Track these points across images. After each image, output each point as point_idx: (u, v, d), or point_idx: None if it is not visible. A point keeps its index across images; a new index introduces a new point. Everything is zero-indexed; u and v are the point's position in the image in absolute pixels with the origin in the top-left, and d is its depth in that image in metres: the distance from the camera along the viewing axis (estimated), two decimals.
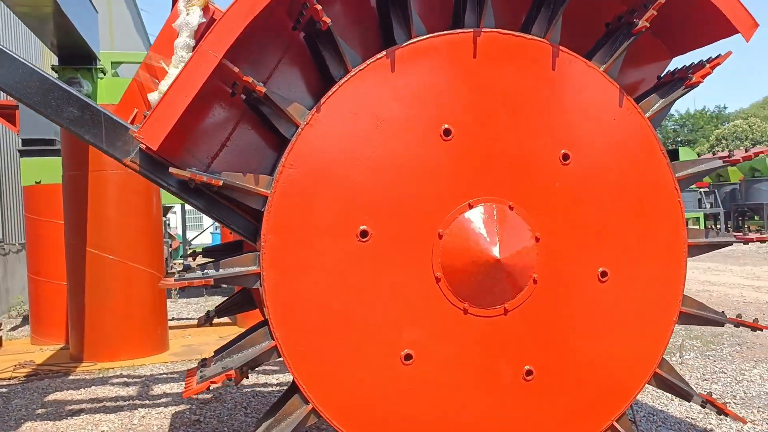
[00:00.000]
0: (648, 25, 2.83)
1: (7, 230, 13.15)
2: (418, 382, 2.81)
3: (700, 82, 2.96)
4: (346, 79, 2.73)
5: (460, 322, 2.86)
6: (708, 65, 2.95)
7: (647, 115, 3.03)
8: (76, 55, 7.79)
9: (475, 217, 2.84)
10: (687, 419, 4.76)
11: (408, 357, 2.80)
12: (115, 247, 7.52)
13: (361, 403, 2.77)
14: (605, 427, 3.02)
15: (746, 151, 3.20)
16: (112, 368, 7.26)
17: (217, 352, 3.02)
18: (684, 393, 3.13)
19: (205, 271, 2.67)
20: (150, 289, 7.64)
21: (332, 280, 2.73)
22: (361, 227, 2.75)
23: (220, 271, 2.70)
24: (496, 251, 2.77)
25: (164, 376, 6.81)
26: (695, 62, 3.01)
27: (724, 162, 3.15)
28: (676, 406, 5.03)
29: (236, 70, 2.52)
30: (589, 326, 2.99)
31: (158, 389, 6.28)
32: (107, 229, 7.58)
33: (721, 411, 3.11)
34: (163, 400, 5.88)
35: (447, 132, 2.82)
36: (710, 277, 13.45)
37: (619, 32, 2.96)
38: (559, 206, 2.94)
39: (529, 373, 2.92)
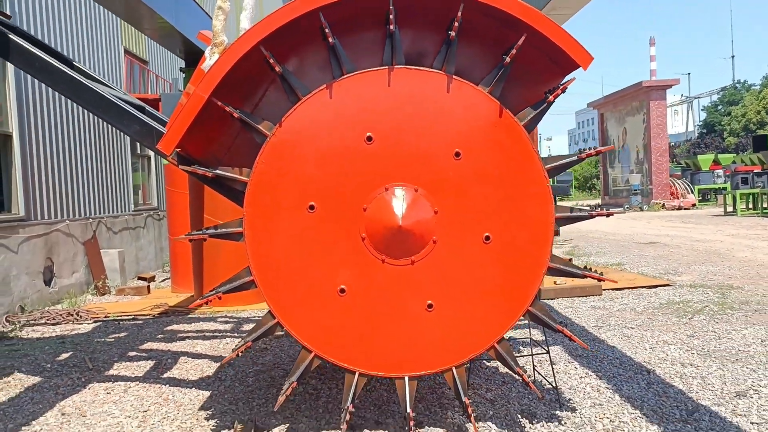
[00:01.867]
0: (508, 60, 3.96)
1: (161, 200, 15.67)
2: (349, 308, 4.16)
3: (553, 101, 4.05)
4: (298, 104, 4.09)
5: (379, 269, 4.16)
6: (560, 89, 4.03)
7: (522, 123, 4.15)
8: (194, 59, 9.65)
9: (389, 196, 4.12)
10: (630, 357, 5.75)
11: (342, 291, 4.15)
12: (225, 215, 9.33)
13: (310, 320, 4.17)
14: (488, 346, 4.21)
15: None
16: (220, 311, 9.16)
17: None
18: (549, 325, 4.25)
19: (207, 230, 4.18)
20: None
21: (291, 238, 4.14)
22: (310, 203, 4.12)
23: (218, 230, 4.20)
24: (399, 220, 4.05)
25: (255, 318, 8.56)
26: (554, 87, 4.08)
27: (578, 158, 4.20)
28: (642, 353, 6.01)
29: (219, 103, 3.96)
30: (476, 274, 4.18)
31: (246, 327, 8.02)
32: (219, 199, 9.40)
33: (570, 339, 4.21)
34: (245, 334, 7.61)
35: (369, 138, 4.11)
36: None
37: (499, 66, 4.09)
38: (453, 189, 4.14)
39: (430, 306, 4.18)
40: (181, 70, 10.03)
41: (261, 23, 3.98)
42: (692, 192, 34.78)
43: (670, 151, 49.61)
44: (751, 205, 26.61)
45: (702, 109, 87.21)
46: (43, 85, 10.30)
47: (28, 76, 9.95)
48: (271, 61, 3.94)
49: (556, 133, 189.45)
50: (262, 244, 4.15)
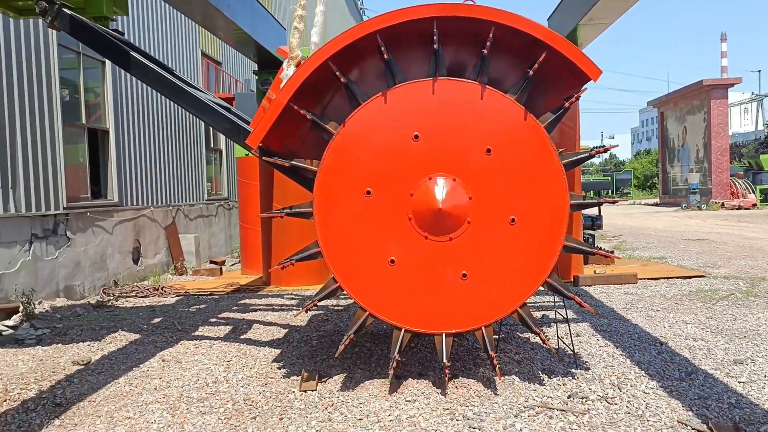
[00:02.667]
0: (531, 73, 4.81)
1: (232, 191, 16.92)
2: (397, 275, 5.08)
3: (569, 107, 4.89)
4: (359, 108, 5.04)
5: (423, 244, 5.07)
6: (574, 99, 4.86)
7: (543, 125, 5.00)
8: (267, 63, 10.72)
9: (432, 184, 5.02)
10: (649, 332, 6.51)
11: (392, 261, 5.08)
12: (292, 201, 10.36)
13: (365, 284, 5.11)
14: (512, 310, 5.08)
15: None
16: (286, 290, 10.22)
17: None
18: (563, 293, 5.09)
19: (284, 211, 5.17)
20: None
21: (351, 218, 5.09)
22: (367, 189, 5.06)
23: (293, 210, 5.18)
24: (439, 204, 4.95)
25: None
26: (571, 95, 4.91)
27: (589, 155, 5.03)
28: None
29: (295, 107, 4.94)
30: (503, 250, 5.05)
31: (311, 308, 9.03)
32: (288, 189, 10.45)
33: (579, 304, 5.04)
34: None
35: (416, 136, 5.03)
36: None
37: (524, 78, 4.95)
38: (485, 179, 5.02)
39: (464, 275, 5.07)
40: (254, 73, 11.11)
41: (330, 43, 4.94)
42: (753, 192, 34.43)
43: (737, 150, 49.07)
44: None
45: None
46: (132, 86, 11.56)
47: (122, 80, 11.20)
48: (337, 73, 4.90)
49: (620, 131, 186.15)
50: (328, 222, 5.11)
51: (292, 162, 5.15)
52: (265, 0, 19.06)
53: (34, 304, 8.06)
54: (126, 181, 11.27)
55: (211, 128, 15.74)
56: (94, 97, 10.82)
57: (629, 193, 58.90)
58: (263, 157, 5.16)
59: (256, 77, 11.06)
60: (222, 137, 16.32)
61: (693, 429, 4.17)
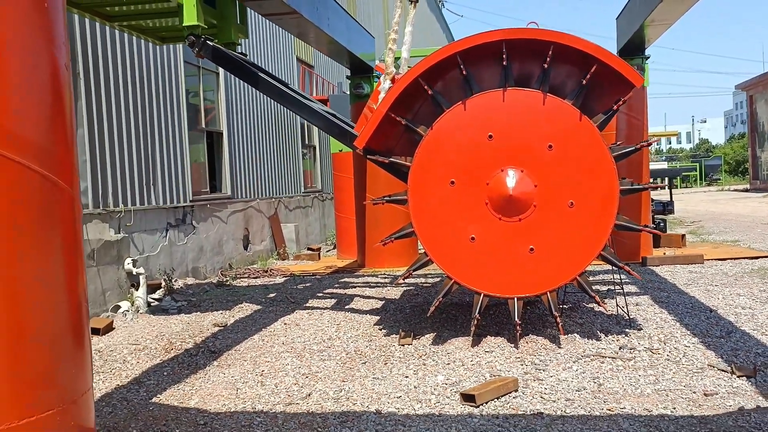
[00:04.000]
0: (584, 82, 5.86)
1: (326, 184, 18.39)
2: (476, 250, 6.23)
3: (617, 109, 5.91)
4: (443, 114, 6.21)
5: (497, 224, 6.20)
6: (622, 103, 5.88)
7: (596, 124, 6.03)
8: (359, 69, 11.99)
9: (504, 175, 6.14)
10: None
11: (473, 238, 6.23)
12: (382, 192, 11.63)
13: (451, 257, 6.28)
14: (572, 278, 6.14)
15: None
16: (379, 271, 11.51)
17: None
18: (614, 263, 6.12)
19: (384, 198, 6.40)
20: (405, 219, 11.69)
21: (438, 203, 6.26)
22: (451, 179, 6.23)
23: (392, 197, 6.41)
24: (511, 190, 6.07)
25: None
26: (619, 99, 5.93)
27: (636, 148, 6.04)
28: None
29: (392, 115, 6.15)
30: (564, 228, 6.11)
31: (402, 282, 10.28)
32: (379, 182, 11.73)
33: (628, 272, 6.06)
34: (402, 285, 9.86)
35: (490, 136, 6.15)
36: None
37: (579, 86, 6.00)
38: (548, 170, 6.09)
39: (531, 249, 6.16)
40: (347, 78, 12.42)
41: (419, 63, 6.14)
42: None
43: None
44: None
45: None
46: (240, 93, 13.10)
47: (232, 88, 12.74)
48: (426, 87, 6.08)
49: (712, 115, 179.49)
50: (420, 207, 6.31)
51: (391, 159, 6.38)
52: (350, 5, 20.45)
53: (173, 281, 9.63)
54: (237, 176, 12.82)
55: (306, 126, 17.22)
56: (210, 103, 12.40)
57: (719, 179, 57.54)
58: (367, 156, 6.41)
59: (349, 81, 12.34)
60: (316, 134, 17.77)
61: (719, 369, 5.16)
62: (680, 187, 54.28)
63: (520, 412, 4.50)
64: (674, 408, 4.42)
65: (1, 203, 2.49)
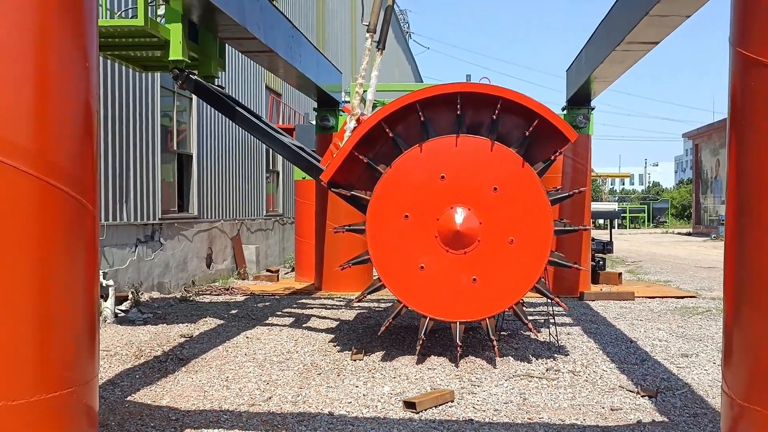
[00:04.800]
0: (527, 134, 6.68)
1: (287, 209, 19.00)
2: (426, 278, 6.95)
3: (554, 159, 6.75)
4: (401, 155, 6.96)
5: (445, 255, 6.94)
6: (558, 153, 6.72)
7: (536, 171, 6.85)
8: (326, 102, 12.74)
9: (453, 212, 6.90)
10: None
11: (422, 267, 6.96)
12: (342, 220, 12.32)
13: (402, 283, 6.99)
14: (508, 306, 6.91)
15: None
16: (335, 294, 12.17)
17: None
18: (547, 295, 6.91)
19: (345, 227, 7.11)
20: (362, 247, 12.38)
21: (393, 234, 6.99)
22: (406, 213, 6.96)
23: (352, 227, 7.12)
24: (458, 226, 6.83)
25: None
26: (558, 152, 6.76)
27: (569, 194, 6.88)
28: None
29: (356, 153, 6.88)
30: (503, 262, 6.89)
31: (356, 305, 10.95)
32: (340, 211, 12.42)
33: (557, 303, 6.85)
34: (356, 308, 10.54)
35: (443, 176, 6.92)
36: None
37: (522, 137, 6.82)
38: (492, 210, 6.88)
39: (474, 279, 6.92)
40: (314, 109, 13.16)
41: (383, 108, 6.90)
42: None
43: None
44: None
45: None
46: (211, 119, 13.72)
47: (203, 114, 13.36)
48: (387, 129, 6.85)
49: (664, 159, 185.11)
50: (376, 237, 7.03)
51: (352, 192, 7.10)
52: (320, 41, 21.28)
53: (139, 295, 10.13)
54: (203, 197, 13.39)
55: (270, 152, 17.87)
56: (183, 125, 12.99)
57: (665, 222, 59.69)
58: (331, 188, 7.12)
59: (316, 113, 13.07)
60: (279, 160, 18.42)
61: (627, 390, 5.96)
62: (629, 228, 56.24)
63: (453, 419, 5.20)
64: (584, 419, 5.18)
65: (45, 220, 3.13)
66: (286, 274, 16.17)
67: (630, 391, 5.95)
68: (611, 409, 5.42)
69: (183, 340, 7.96)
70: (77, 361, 3.31)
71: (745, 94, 2.93)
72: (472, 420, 5.17)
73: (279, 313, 10.11)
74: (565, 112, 12.68)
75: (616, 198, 75.44)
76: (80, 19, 3.35)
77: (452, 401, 5.61)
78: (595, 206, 54.65)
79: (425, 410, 5.35)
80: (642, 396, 5.78)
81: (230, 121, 14.35)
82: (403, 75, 44.23)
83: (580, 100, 12.43)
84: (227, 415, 5.21)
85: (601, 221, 43.80)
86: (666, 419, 5.17)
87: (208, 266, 13.55)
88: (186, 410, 5.35)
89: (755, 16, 2.86)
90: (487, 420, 5.17)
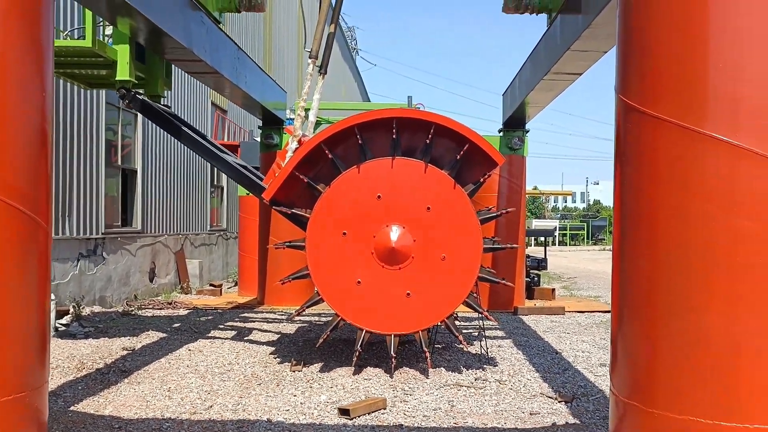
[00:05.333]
0: (458, 157, 7.14)
1: (231, 224, 19.14)
2: (362, 292, 7.32)
3: (484, 182, 7.22)
4: (340, 175, 7.33)
5: (381, 271, 7.32)
6: (487, 176, 7.20)
7: (467, 192, 7.31)
8: (270, 120, 13.04)
9: (389, 230, 7.30)
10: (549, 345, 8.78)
11: (359, 282, 7.33)
12: (284, 236, 12.59)
13: (339, 297, 7.34)
14: (441, 320, 7.32)
15: None
16: (277, 308, 12.43)
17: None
18: (476, 309, 7.35)
19: (285, 243, 7.43)
20: (304, 262, 12.67)
21: (332, 250, 7.34)
22: (344, 231, 7.33)
23: (292, 243, 7.44)
24: (393, 243, 7.22)
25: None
26: (487, 175, 7.24)
27: (498, 214, 7.37)
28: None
29: (297, 173, 7.22)
30: (436, 277, 7.30)
31: (296, 319, 11.24)
32: (282, 228, 12.69)
33: (486, 318, 7.30)
34: (297, 321, 10.82)
35: (379, 196, 7.32)
36: None
37: (454, 160, 7.27)
38: (425, 228, 7.30)
39: (408, 294, 7.32)
40: (259, 128, 13.44)
41: (323, 131, 7.27)
42: None
43: None
44: None
45: None
46: (155, 136, 13.87)
47: (148, 130, 13.50)
48: (326, 151, 7.21)
49: (605, 177, 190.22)
50: (316, 253, 7.37)
51: (293, 210, 7.43)
52: (266, 60, 21.57)
53: (81, 309, 10.21)
54: (147, 212, 13.50)
55: (215, 169, 18.02)
56: (128, 140, 13.11)
57: (603, 239, 61.49)
58: (273, 206, 7.44)
59: (261, 131, 13.35)
60: (223, 177, 18.59)
61: (547, 397, 6.42)
62: (569, 245, 57.83)
63: (385, 424, 5.56)
64: (505, 423, 5.61)
65: (1, 236, 3.39)
66: (229, 288, 16.31)
67: (549, 397, 6.41)
68: (530, 414, 5.86)
69: (125, 352, 8.13)
70: (29, 367, 3.56)
71: (625, 135, 3.41)
72: (402, 425, 5.53)
73: (221, 326, 10.32)
74: (501, 134, 13.27)
75: (559, 215, 77.42)
76: (39, 45, 3.63)
77: (385, 408, 5.97)
78: (537, 223, 55.80)
79: (359, 417, 5.69)
80: (559, 402, 6.25)
81: (198, 154, 14.59)
82: (350, 91, 44.77)
83: (515, 123, 13.04)
84: (169, 423, 5.46)
85: (542, 239, 45.22)
86: (578, 421, 5.64)
87: (151, 280, 13.63)
88: (129, 419, 5.57)
89: (631, 71, 3.34)
90: (416, 425, 5.55)
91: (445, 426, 5.53)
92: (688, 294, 3.10)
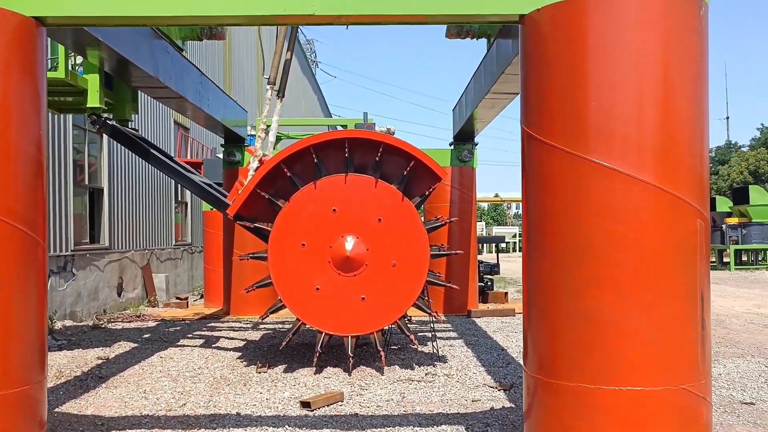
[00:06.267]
0: (405, 173, 7.88)
1: (195, 238, 19.62)
2: (320, 297, 7.99)
3: (429, 195, 7.97)
4: (298, 191, 8.01)
5: (337, 278, 8.00)
6: (432, 189, 7.95)
7: (414, 204, 8.05)
8: (232, 138, 13.64)
9: (344, 240, 7.99)
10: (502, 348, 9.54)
11: (317, 288, 8.00)
12: (247, 249, 13.19)
13: (300, 302, 8.00)
14: (393, 321, 8.03)
15: None
16: (242, 317, 13.01)
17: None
18: (425, 310, 8.07)
19: (249, 255, 8.07)
20: (266, 272, 13.28)
21: (292, 260, 8.00)
22: (302, 242, 8.00)
23: (256, 254, 8.09)
24: (348, 252, 7.92)
25: (267, 322, 12.38)
26: (431, 188, 7.99)
27: (442, 224, 8.12)
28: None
29: (258, 190, 7.88)
30: (388, 282, 8.01)
31: (261, 328, 11.85)
32: (246, 240, 13.28)
33: (435, 319, 8.04)
34: (261, 329, 11.43)
35: (334, 209, 8.01)
36: None
37: (401, 175, 8.01)
38: (377, 238, 8.01)
39: (363, 298, 8.01)
40: (221, 145, 14.03)
41: (282, 151, 7.95)
42: None
43: None
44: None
45: None
46: (120, 155, 14.37)
47: (113, 150, 14.00)
48: (285, 169, 7.89)
49: None
50: (277, 262, 8.02)
51: (255, 224, 8.08)
52: (226, 83, 22.14)
53: (53, 323, 10.67)
54: (114, 228, 13.97)
55: (179, 185, 18.52)
56: (94, 159, 13.59)
57: None
58: (237, 221, 8.08)
59: (223, 149, 13.94)
60: (187, 193, 19.09)
61: (488, 387, 7.17)
62: None
63: (342, 414, 6.23)
64: (449, 409, 6.33)
65: (6, 252, 4.00)
66: (195, 300, 16.80)
67: (491, 387, 7.16)
68: (473, 401, 6.60)
69: (100, 362, 8.66)
70: (31, 364, 4.17)
71: (527, 157, 4.16)
72: (357, 414, 6.21)
73: (190, 335, 10.88)
74: (452, 147, 14.07)
75: (520, 222, 78.73)
76: (35, 90, 4.26)
77: (342, 401, 6.64)
78: (497, 230, 56.61)
79: (319, 408, 6.36)
80: (499, 390, 7.00)
81: (166, 174, 15.12)
82: (309, 104, 45.40)
83: (464, 137, 13.84)
84: (147, 419, 6.06)
85: (503, 245, 46.28)
86: (513, 405, 6.39)
87: (119, 295, 14.09)
88: (110, 417, 6.15)
89: (531, 107, 4.11)
90: (369, 414, 6.23)
91: (396, 414, 6.23)
92: (577, 284, 3.86)
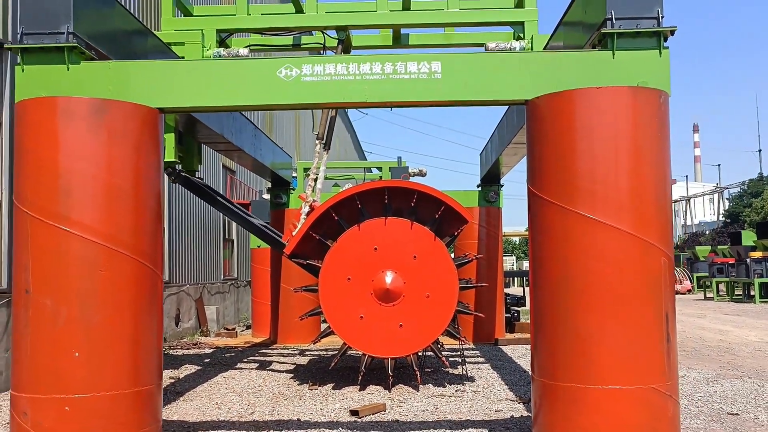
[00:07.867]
0: (437, 216, 9.15)
1: (240, 273, 21.05)
2: (364, 325, 9.23)
3: (457, 235, 9.22)
4: (344, 232, 9.31)
5: (378, 307, 9.24)
6: (460, 230, 9.20)
7: (444, 243, 9.30)
8: (278, 182, 15.07)
9: (384, 275, 9.25)
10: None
11: (361, 317, 9.24)
12: (294, 283, 14.51)
13: (346, 328, 9.24)
14: (427, 345, 9.22)
15: None
16: (289, 345, 14.29)
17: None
18: (455, 336, 9.26)
19: (302, 288, 9.37)
20: (312, 304, 14.57)
21: (339, 292, 9.27)
22: (348, 276, 9.28)
23: (308, 287, 9.38)
24: (388, 285, 9.17)
25: (313, 350, 13.63)
26: (460, 229, 9.23)
27: (469, 260, 9.35)
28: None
29: (311, 232, 9.20)
30: (422, 311, 9.22)
31: (308, 353, 13.10)
32: (292, 274, 14.62)
33: (463, 342, 9.22)
34: (308, 354, 12.67)
35: (375, 248, 9.29)
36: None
37: (433, 218, 9.27)
38: (413, 272, 9.25)
39: (401, 325, 9.23)
40: (267, 190, 15.46)
41: (331, 198, 9.29)
42: (690, 279, 38.93)
43: (696, 239, 54.54)
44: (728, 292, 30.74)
45: (727, 199, 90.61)
46: (176, 195, 15.88)
47: (173, 191, 15.51)
48: (333, 214, 9.22)
49: None
50: (327, 294, 9.30)
51: (308, 261, 9.40)
52: (267, 126, 23.77)
53: None
54: (173, 264, 15.42)
55: (226, 223, 20.02)
56: None
57: None
58: (292, 259, 9.40)
59: (270, 192, 15.36)
60: (234, 230, 20.57)
61: (510, 400, 8.31)
62: None
63: (385, 420, 7.44)
64: (476, 417, 7.49)
65: (139, 283, 5.35)
66: (242, 331, 18.13)
67: (512, 400, 8.31)
68: (496, 411, 7.76)
69: (173, 380, 9.98)
70: (152, 369, 5.48)
71: (531, 209, 5.42)
72: (398, 420, 7.42)
73: (245, 360, 12.17)
74: (479, 189, 15.33)
75: None
76: (157, 156, 5.65)
77: (385, 411, 7.85)
78: (528, 263, 57.61)
79: (365, 416, 7.57)
80: (519, 402, 8.15)
81: (192, 197, 16.62)
82: (343, 142, 47.11)
83: (491, 179, 15.09)
84: (225, 423, 7.33)
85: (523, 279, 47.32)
86: (530, 414, 7.53)
87: (177, 325, 15.48)
88: (193, 422, 7.44)
89: (532, 170, 5.38)
90: (408, 420, 7.43)
91: (430, 420, 7.42)
92: (567, 306, 5.08)
